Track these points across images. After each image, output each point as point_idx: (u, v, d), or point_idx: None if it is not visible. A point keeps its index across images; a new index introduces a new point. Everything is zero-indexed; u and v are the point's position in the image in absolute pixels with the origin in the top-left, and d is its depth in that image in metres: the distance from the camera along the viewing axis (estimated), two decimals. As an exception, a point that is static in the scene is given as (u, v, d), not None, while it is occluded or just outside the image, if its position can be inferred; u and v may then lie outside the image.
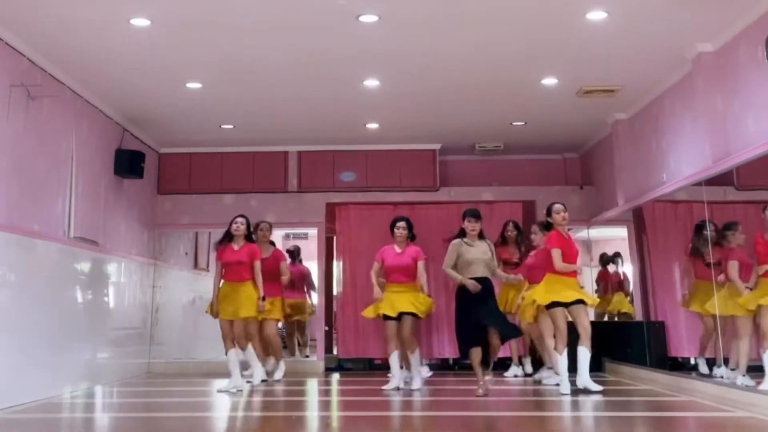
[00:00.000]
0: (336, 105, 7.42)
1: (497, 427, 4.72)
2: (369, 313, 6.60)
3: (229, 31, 5.55)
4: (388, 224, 8.05)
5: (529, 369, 7.63)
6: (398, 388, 6.28)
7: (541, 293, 6.04)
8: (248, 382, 6.80)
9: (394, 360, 6.37)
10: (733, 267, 5.71)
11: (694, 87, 6.08)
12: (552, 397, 6.04)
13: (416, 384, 6.36)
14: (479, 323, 5.74)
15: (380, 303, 6.43)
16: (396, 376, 6.36)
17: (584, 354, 5.90)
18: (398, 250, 6.57)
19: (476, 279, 5.86)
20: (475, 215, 6.01)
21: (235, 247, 6.53)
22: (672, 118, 6.71)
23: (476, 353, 5.80)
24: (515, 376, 7.47)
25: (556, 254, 5.99)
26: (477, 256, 5.91)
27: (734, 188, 5.86)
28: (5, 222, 5.34)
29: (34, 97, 5.76)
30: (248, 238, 6.65)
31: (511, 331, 6.00)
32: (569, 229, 6.33)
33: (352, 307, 8.58)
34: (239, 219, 6.62)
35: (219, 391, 6.39)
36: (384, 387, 6.31)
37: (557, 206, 6.15)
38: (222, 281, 6.60)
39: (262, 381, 6.99)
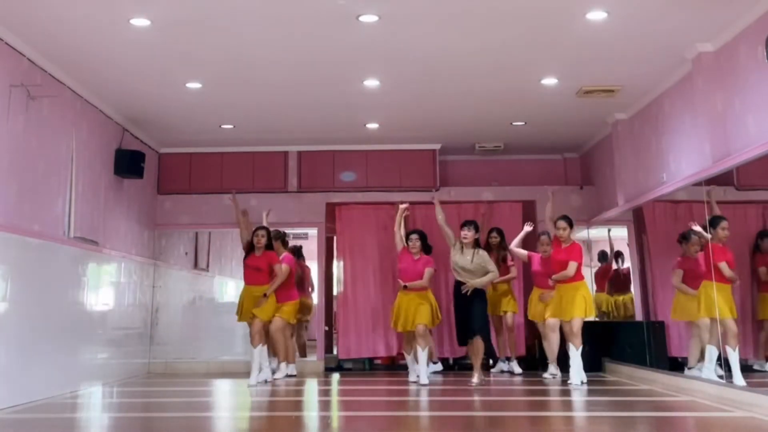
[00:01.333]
0: (336, 105, 7.42)
1: (497, 426, 4.71)
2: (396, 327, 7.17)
3: (229, 31, 5.55)
4: (388, 224, 8.14)
5: (518, 369, 7.76)
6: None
7: (553, 308, 6.91)
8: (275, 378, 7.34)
9: (411, 358, 7.17)
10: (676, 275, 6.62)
11: (694, 87, 6.08)
12: (551, 397, 6.06)
13: (423, 379, 6.69)
14: (461, 326, 6.61)
15: (398, 316, 7.00)
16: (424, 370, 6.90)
17: (572, 352, 6.63)
18: (415, 257, 7.03)
19: (461, 285, 6.57)
20: (469, 225, 6.70)
21: (257, 254, 7.15)
22: (672, 118, 6.72)
23: (469, 347, 6.65)
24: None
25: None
26: (462, 264, 6.60)
27: (734, 188, 5.85)
28: (5, 222, 5.34)
29: (34, 97, 5.76)
30: (269, 247, 7.20)
31: (479, 331, 6.58)
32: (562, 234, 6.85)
33: (353, 307, 8.59)
34: (260, 232, 7.18)
35: (269, 380, 7.09)
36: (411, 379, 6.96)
37: (558, 222, 6.88)
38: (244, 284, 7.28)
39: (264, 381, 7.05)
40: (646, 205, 7.32)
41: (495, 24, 5.46)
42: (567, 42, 5.81)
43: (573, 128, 8.42)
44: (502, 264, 7.77)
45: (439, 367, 8.02)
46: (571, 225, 6.90)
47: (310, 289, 9.37)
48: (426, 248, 7.12)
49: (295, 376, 7.66)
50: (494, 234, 8.02)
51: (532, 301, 7.67)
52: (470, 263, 6.56)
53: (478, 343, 6.56)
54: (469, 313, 6.53)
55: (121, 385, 7.06)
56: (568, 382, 6.52)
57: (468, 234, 6.60)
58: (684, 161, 6.45)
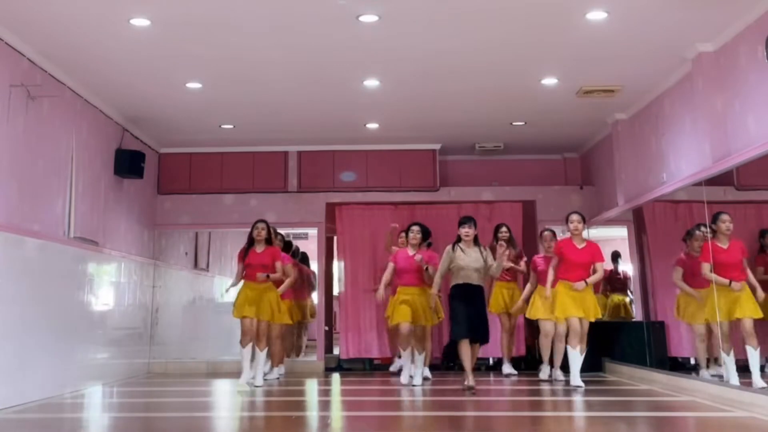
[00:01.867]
0: (336, 105, 7.42)
1: (496, 426, 4.72)
2: (392, 320, 6.92)
3: (229, 31, 5.55)
4: (388, 224, 8.10)
5: (512, 370, 7.66)
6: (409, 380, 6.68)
7: (556, 306, 6.49)
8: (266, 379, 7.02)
9: (406, 356, 6.84)
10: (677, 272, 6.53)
11: (694, 87, 6.08)
12: (551, 397, 6.05)
13: (417, 380, 6.65)
14: (466, 325, 6.09)
15: (396, 310, 6.71)
16: (408, 369, 6.78)
17: (577, 355, 6.42)
18: (411, 252, 6.78)
19: (467, 286, 6.17)
20: (469, 221, 6.31)
21: (258, 249, 6.74)
22: (672, 118, 6.72)
23: (464, 351, 6.12)
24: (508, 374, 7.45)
25: (552, 262, 6.67)
26: (468, 263, 6.17)
27: (734, 188, 5.86)
28: (5, 222, 5.34)
29: (34, 97, 5.76)
30: (269, 241, 6.82)
31: (484, 339, 6.25)
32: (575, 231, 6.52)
33: (353, 307, 8.59)
34: (260, 224, 6.80)
35: (239, 391, 6.44)
36: (402, 381, 6.71)
37: (572, 216, 6.59)
38: (243, 282, 6.83)
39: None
40: (646, 205, 7.32)
41: (495, 24, 5.46)
42: (567, 42, 5.81)
43: (573, 128, 8.42)
44: (517, 262, 7.61)
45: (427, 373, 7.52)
46: (584, 219, 6.60)
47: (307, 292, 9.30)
48: (428, 244, 7.02)
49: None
50: (504, 229, 7.68)
51: (536, 300, 7.16)
52: (476, 260, 6.17)
53: (477, 349, 6.28)
54: (481, 320, 6.15)
55: (121, 385, 7.06)
56: (571, 383, 6.33)
57: (470, 231, 6.23)
58: (684, 161, 6.45)
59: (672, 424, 4.77)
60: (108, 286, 7.33)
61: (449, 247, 6.29)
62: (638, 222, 7.64)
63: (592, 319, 6.47)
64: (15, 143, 5.54)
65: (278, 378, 7.46)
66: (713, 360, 6.26)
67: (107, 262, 7.31)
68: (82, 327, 6.64)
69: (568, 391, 6.22)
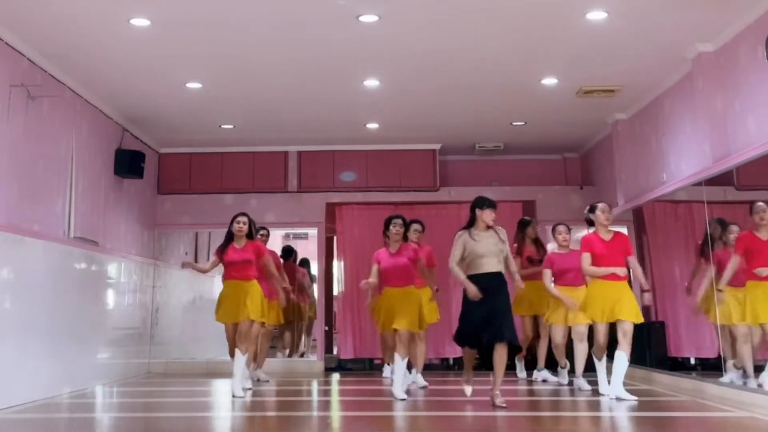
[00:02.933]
0: (336, 105, 7.42)
1: (495, 427, 4.71)
2: (375, 319, 6.31)
3: (229, 30, 5.55)
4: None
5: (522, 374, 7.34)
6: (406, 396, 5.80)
7: (585, 309, 5.81)
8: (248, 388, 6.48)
9: (398, 367, 5.83)
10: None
11: (694, 87, 6.08)
12: (551, 397, 6.05)
13: (399, 393, 5.76)
14: (477, 327, 5.22)
15: (381, 314, 6.06)
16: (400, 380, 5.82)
17: (619, 359, 5.61)
18: (392, 250, 6.09)
19: (486, 275, 5.26)
20: (494, 205, 5.39)
21: (238, 246, 6.12)
22: (672, 118, 6.72)
23: (467, 353, 5.56)
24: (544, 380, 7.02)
25: (585, 258, 5.66)
26: (488, 248, 5.27)
27: (734, 188, 5.86)
28: (5, 222, 5.34)
29: (34, 97, 5.76)
30: (250, 236, 6.21)
31: (510, 336, 5.23)
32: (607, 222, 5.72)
33: (353, 307, 8.59)
34: (241, 218, 6.17)
35: (234, 396, 5.93)
36: (398, 395, 5.70)
37: (602, 205, 5.73)
38: (224, 281, 6.30)
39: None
40: (646, 205, 7.32)
41: (495, 24, 5.46)
42: (567, 42, 5.81)
43: (573, 128, 8.42)
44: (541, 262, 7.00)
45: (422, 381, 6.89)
46: (610, 208, 5.79)
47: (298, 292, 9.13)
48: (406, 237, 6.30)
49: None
50: (532, 224, 7.35)
51: (555, 303, 6.54)
52: (495, 243, 5.28)
53: (504, 352, 5.24)
54: (499, 313, 5.18)
55: (121, 385, 7.05)
56: (609, 396, 5.66)
57: (494, 215, 5.33)
58: (684, 161, 6.45)
59: (672, 424, 4.77)
60: (108, 286, 7.33)
61: (462, 232, 5.37)
62: (638, 222, 7.65)
63: (632, 320, 5.63)
64: (15, 143, 5.54)
65: (258, 381, 7.06)
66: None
67: (107, 262, 7.31)
68: (82, 327, 6.64)
69: (570, 391, 6.20)
